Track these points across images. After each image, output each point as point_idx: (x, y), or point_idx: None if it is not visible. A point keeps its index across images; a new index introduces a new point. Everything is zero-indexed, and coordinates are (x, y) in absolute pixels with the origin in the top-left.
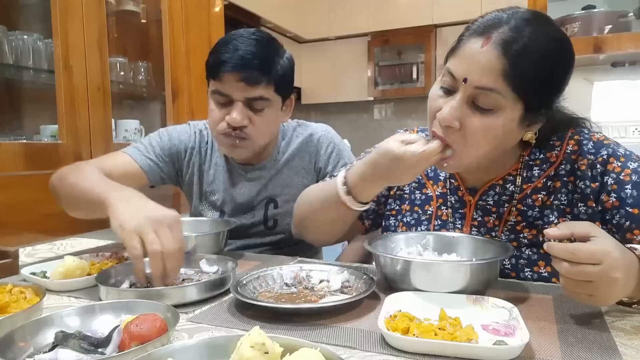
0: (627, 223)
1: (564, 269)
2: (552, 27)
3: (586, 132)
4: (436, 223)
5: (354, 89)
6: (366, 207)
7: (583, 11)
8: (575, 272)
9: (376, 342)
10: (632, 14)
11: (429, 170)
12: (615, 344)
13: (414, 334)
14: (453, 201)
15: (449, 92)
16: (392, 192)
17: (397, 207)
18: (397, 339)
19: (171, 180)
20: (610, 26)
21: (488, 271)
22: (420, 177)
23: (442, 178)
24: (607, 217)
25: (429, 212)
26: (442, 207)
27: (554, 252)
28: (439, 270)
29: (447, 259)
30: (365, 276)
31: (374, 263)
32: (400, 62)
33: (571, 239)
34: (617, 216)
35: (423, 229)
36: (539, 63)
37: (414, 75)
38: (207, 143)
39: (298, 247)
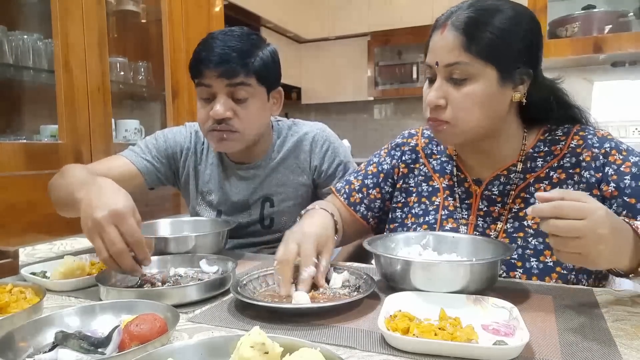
0: (624, 212)
1: (550, 226)
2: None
3: (591, 129)
4: (443, 213)
5: (354, 89)
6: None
7: (583, 11)
8: (561, 227)
9: (376, 342)
10: (632, 14)
11: (436, 164)
12: (615, 344)
13: (414, 334)
14: (460, 192)
15: (433, 81)
16: (398, 185)
17: (404, 200)
18: (397, 339)
19: (168, 181)
20: (610, 26)
21: (488, 271)
22: (427, 171)
23: (448, 171)
24: (605, 205)
25: (436, 203)
26: (449, 199)
27: (540, 211)
28: (439, 270)
29: (447, 259)
30: (365, 276)
31: (373, 263)
32: (400, 62)
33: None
34: (615, 205)
35: (430, 219)
36: (492, 29)
37: (414, 75)
38: (202, 143)
39: None
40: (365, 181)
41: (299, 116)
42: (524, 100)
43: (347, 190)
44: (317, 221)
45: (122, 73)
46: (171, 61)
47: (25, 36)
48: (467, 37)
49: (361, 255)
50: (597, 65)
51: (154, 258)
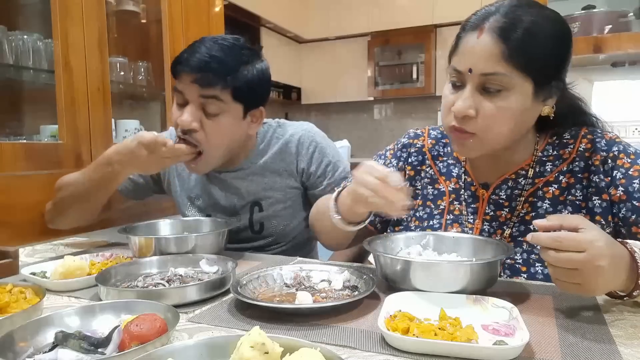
0: (633, 217)
1: (551, 257)
2: (540, 6)
3: (599, 131)
4: (448, 217)
5: (354, 89)
6: (358, 227)
7: (583, 11)
8: (560, 260)
9: (376, 342)
10: (632, 14)
11: (442, 167)
12: (615, 344)
13: (414, 334)
14: (466, 196)
15: (459, 86)
16: None
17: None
18: (397, 339)
19: (153, 191)
20: (610, 26)
21: (488, 271)
22: (433, 173)
23: (454, 174)
24: (614, 211)
25: (441, 206)
26: (455, 202)
27: (540, 241)
28: (439, 270)
29: (447, 259)
30: (365, 276)
31: (373, 263)
32: (400, 62)
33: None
34: (624, 209)
35: (435, 222)
36: (534, 39)
37: (414, 75)
38: None
39: (287, 249)
40: None
41: (299, 116)
42: (552, 115)
43: None
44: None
45: (122, 73)
46: (171, 61)
47: (25, 36)
48: (508, 46)
49: (362, 256)
50: (597, 65)
51: (153, 258)
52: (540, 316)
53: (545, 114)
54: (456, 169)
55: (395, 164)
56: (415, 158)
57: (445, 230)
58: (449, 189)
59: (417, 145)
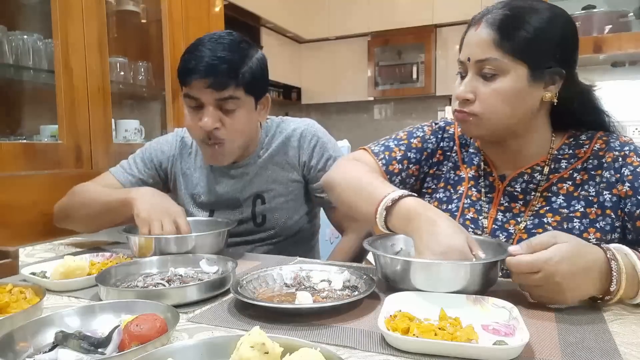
0: (638, 211)
1: (514, 278)
2: (539, 1)
3: (614, 135)
4: (465, 202)
5: (354, 89)
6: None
7: (583, 11)
8: (522, 280)
9: (376, 342)
10: (632, 14)
11: (465, 155)
12: (615, 344)
13: (414, 334)
14: (483, 185)
15: (464, 77)
16: (431, 171)
17: (434, 186)
18: (397, 339)
19: (159, 188)
20: (610, 26)
21: (488, 271)
22: (457, 160)
23: (475, 163)
24: (621, 206)
25: (460, 191)
26: (473, 189)
27: (508, 266)
28: (439, 270)
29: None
30: (365, 276)
31: (373, 262)
32: (400, 62)
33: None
34: (629, 204)
35: (452, 207)
36: (524, 26)
37: (414, 75)
38: (190, 147)
39: (289, 242)
40: (408, 154)
41: (299, 116)
42: (555, 101)
43: (386, 157)
44: (450, 224)
45: (122, 73)
46: (171, 61)
47: (25, 36)
48: (500, 34)
49: (362, 256)
50: (597, 65)
51: (153, 258)
52: (540, 316)
53: (546, 99)
54: (477, 158)
55: (433, 142)
56: (447, 143)
57: (462, 214)
58: (469, 175)
59: (450, 132)
